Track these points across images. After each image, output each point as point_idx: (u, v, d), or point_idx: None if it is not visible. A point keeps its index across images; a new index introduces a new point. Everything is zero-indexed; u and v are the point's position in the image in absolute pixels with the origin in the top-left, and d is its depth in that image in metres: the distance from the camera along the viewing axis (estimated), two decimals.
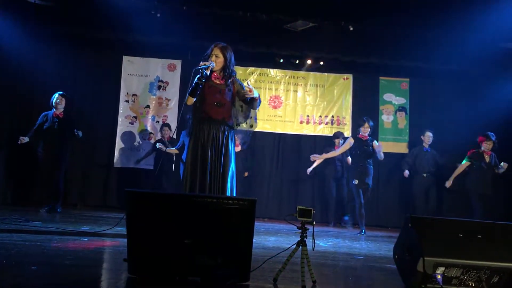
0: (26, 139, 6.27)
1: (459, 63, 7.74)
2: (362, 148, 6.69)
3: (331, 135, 8.47)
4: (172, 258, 2.40)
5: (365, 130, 6.75)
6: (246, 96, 3.83)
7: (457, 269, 2.54)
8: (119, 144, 8.10)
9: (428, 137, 7.42)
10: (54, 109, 6.40)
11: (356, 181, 6.60)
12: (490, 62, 7.57)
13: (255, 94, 3.84)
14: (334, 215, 7.91)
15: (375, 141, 6.80)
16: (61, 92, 6.51)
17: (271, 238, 5.08)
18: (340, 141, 7.69)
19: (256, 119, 4.03)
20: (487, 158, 6.90)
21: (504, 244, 2.62)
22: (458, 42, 7.17)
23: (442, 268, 2.53)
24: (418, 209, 7.24)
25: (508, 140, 7.59)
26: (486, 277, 2.57)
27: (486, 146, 6.89)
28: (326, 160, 7.41)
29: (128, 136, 8.14)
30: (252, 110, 3.98)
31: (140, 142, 8.17)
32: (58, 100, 6.40)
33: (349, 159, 7.25)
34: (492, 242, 2.63)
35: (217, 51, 3.92)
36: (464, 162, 6.97)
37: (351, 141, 6.77)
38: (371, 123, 6.86)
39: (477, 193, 6.81)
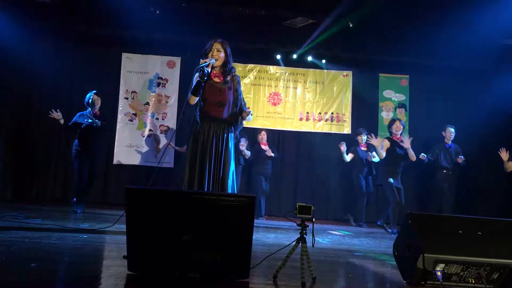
0: (60, 115, 6.22)
1: (458, 59, 7.73)
2: (396, 149, 6.66)
3: (331, 132, 8.48)
4: (172, 254, 2.39)
5: (397, 130, 6.72)
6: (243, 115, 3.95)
7: (457, 265, 2.54)
8: (118, 141, 8.09)
9: (449, 132, 7.23)
10: (89, 108, 6.38)
11: (391, 180, 6.58)
12: (490, 58, 7.56)
13: (249, 118, 3.98)
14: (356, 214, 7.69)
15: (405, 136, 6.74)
16: (95, 91, 6.48)
17: (271, 235, 5.08)
18: (363, 137, 7.62)
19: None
20: None
21: (504, 240, 2.62)
22: (458, 39, 7.15)
23: (442, 265, 2.53)
24: (443, 206, 7.06)
25: (508, 133, 7.61)
26: (486, 274, 2.57)
27: None
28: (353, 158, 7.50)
29: (127, 133, 8.13)
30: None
31: (140, 139, 8.17)
32: (94, 99, 6.39)
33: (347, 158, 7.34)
34: (492, 238, 2.63)
35: (218, 46, 3.92)
36: None
37: (387, 143, 6.72)
38: (403, 122, 6.82)
39: None
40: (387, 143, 6.73)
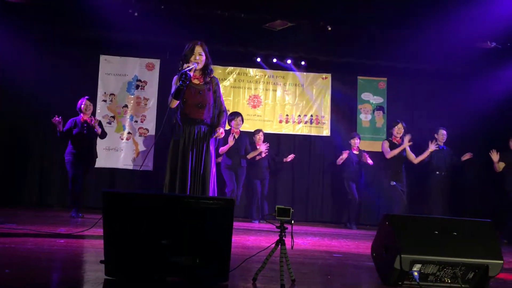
0: (61, 122, 6.11)
1: (435, 62, 7.88)
2: (397, 152, 6.71)
3: (311, 134, 8.53)
4: (150, 259, 2.37)
5: (398, 132, 6.76)
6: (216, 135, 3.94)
7: (433, 266, 2.58)
8: (96, 144, 7.96)
9: (442, 134, 7.30)
10: (81, 114, 6.29)
11: (394, 183, 6.62)
12: (466, 62, 7.71)
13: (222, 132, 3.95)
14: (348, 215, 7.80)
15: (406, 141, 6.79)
16: (88, 97, 6.42)
17: (251, 237, 5.08)
18: (356, 141, 7.69)
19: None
20: None
21: (479, 240, 2.67)
22: (434, 42, 7.29)
23: (419, 265, 2.57)
24: (435, 208, 7.10)
25: (484, 135, 7.77)
26: (461, 273, 2.61)
27: None
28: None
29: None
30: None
31: (119, 142, 8.08)
32: (86, 106, 6.30)
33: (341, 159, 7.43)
34: (467, 238, 2.67)
35: (199, 49, 3.90)
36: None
37: (387, 144, 6.80)
38: (405, 124, 6.85)
39: None
40: (387, 144, 6.79)
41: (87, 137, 6.30)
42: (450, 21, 6.52)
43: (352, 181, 7.65)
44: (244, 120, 7.47)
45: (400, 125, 6.82)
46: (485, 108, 7.71)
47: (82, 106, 6.29)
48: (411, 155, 6.87)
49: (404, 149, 6.75)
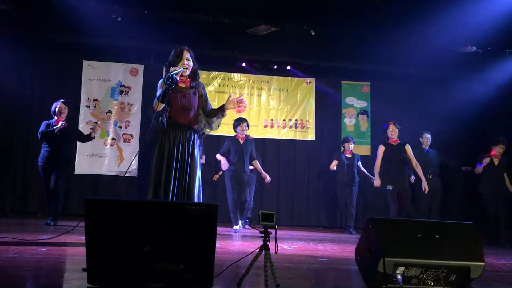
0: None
1: (417, 67, 7.97)
2: (393, 154, 6.67)
3: (296, 138, 8.56)
4: (133, 266, 2.35)
5: (392, 133, 6.72)
6: (234, 107, 3.90)
7: (416, 268, 2.60)
8: (80, 150, 7.90)
9: (426, 138, 7.35)
10: (55, 117, 6.18)
11: (390, 187, 6.59)
12: (447, 66, 7.82)
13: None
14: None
15: (407, 145, 6.76)
16: (63, 100, 6.29)
17: (237, 242, 5.07)
18: (350, 145, 7.66)
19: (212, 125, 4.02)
20: (495, 161, 7.02)
21: (461, 242, 2.70)
22: (416, 47, 7.37)
23: (402, 268, 2.58)
24: (422, 211, 7.16)
25: (465, 138, 7.87)
26: (444, 276, 2.64)
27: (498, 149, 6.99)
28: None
29: (89, 142, 7.91)
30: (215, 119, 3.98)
31: (103, 148, 8.01)
32: (61, 108, 6.19)
33: (334, 165, 7.42)
34: (450, 241, 2.70)
35: (187, 55, 3.89)
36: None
37: (382, 149, 6.76)
38: (398, 126, 6.79)
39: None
40: (382, 149, 6.78)
41: (61, 141, 6.15)
42: (432, 26, 6.60)
43: (344, 185, 7.61)
44: (229, 125, 7.44)
45: (392, 126, 6.80)
46: (467, 111, 7.82)
47: (57, 109, 6.19)
48: (413, 160, 6.78)
49: (401, 152, 6.73)
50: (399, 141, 6.74)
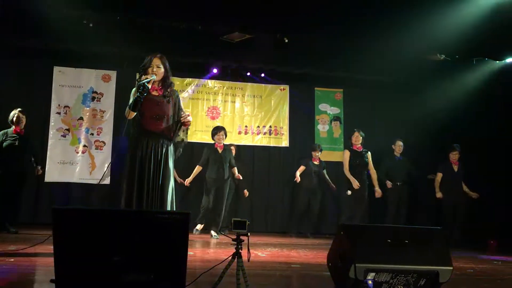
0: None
1: (390, 73, 8.11)
2: (356, 159, 6.83)
3: (270, 145, 8.59)
4: (103, 276, 2.31)
5: (356, 140, 6.88)
6: (184, 121, 3.82)
7: (387, 274, 2.64)
8: (50, 158, 7.74)
9: (399, 146, 7.48)
10: (13, 126, 6.04)
11: (349, 192, 6.69)
12: (419, 73, 7.97)
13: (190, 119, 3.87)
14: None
15: (369, 152, 6.99)
16: (20, 109, 6.18)
17: (209, 250, 5.04)
18: (317, 153, 7.80)
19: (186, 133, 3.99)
20: (455, 168, 7.23)
21: (429, 248, 2.75)
22: (388, 54, 7.48)
23: (373, 274, 2.62)
24: (391, 218, 7.28)
25: (438, 145, 8.02)
26: (413, 280, 2.68)
27: (452, 156, 7.23)
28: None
29: (60, 149, 7.81)
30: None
31: (74, 156, 7.87)
32: (19, 117, 6.06)
33: (297, 175, 7.56)
34: (419, 246, 2.75)
35: (157, 62, 3.85)
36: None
37: (347, 154, 6.92)
38: (362, 133, 6.97)
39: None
40: (348, 154, 6.92)
41: (19, 149, 6.08)
42: (403, 34, 6.71)
43: (309, 192, 7.77)
44: (203, 132, 7.43)
45: (357, 133, 6.97)
46: (438, 118, 7.94)
47: (14, 118, 6.09)
48: (371, 167, 7.02)
49: (364, 158, 6.88)
50: (361, 148, 6.94)
